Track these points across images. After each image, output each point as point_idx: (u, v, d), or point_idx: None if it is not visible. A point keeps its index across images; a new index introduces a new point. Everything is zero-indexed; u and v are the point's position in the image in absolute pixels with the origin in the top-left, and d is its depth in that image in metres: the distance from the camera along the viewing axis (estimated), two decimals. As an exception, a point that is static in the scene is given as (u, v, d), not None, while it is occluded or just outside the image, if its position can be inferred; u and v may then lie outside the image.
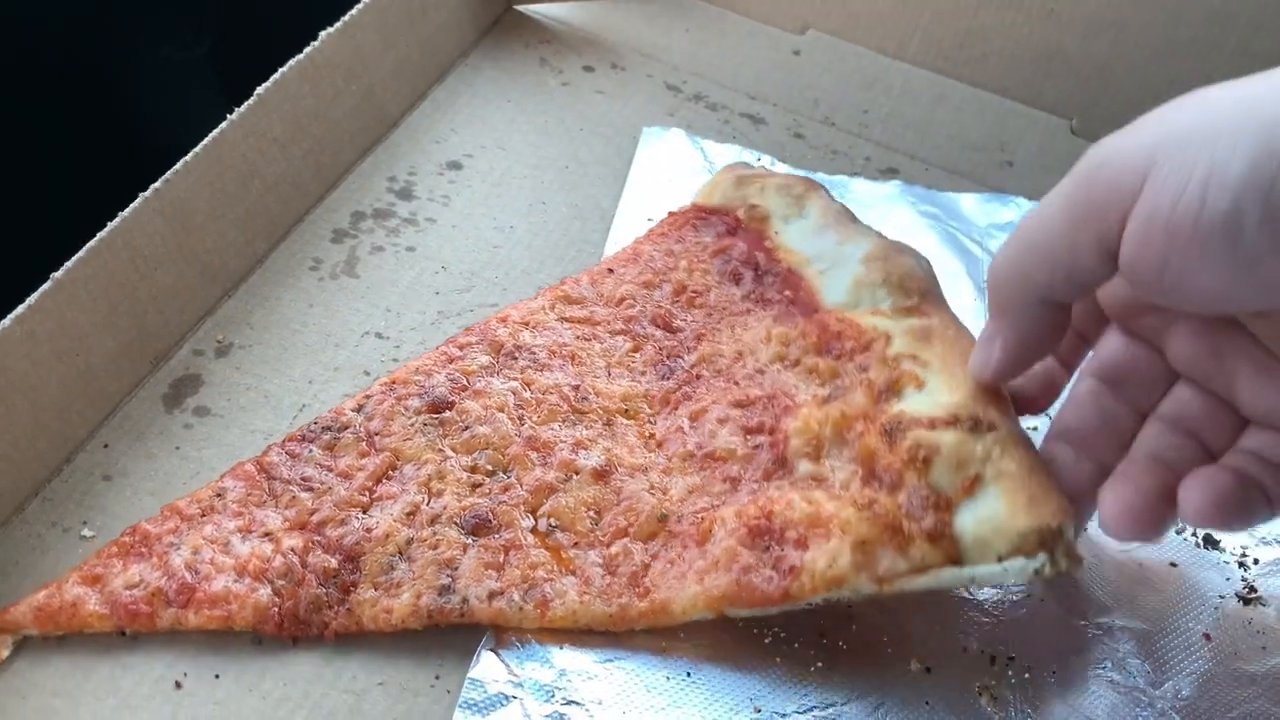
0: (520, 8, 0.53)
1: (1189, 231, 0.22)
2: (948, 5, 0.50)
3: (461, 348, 0.38)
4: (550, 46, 0.52)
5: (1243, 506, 0.25)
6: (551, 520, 0.33)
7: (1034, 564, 0.28)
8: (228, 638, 0.32)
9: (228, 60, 0.57)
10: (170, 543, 0.32)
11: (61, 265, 0.34)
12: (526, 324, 0.39)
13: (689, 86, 0.51)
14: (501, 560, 0.32)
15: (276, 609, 0.31)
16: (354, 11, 0.44)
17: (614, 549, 0.32)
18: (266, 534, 0.33)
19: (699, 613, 0.31)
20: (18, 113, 0.50)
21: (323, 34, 0.43)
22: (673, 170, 0.47)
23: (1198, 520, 0.26)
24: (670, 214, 0.43)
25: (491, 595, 0.31)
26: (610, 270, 0.41)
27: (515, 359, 0.37)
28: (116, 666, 0.31)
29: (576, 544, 0.33)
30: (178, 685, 0.31)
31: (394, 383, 0.37)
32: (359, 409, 0.36)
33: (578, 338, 0.38)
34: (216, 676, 0.31)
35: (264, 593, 0.31)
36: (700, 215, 0.42)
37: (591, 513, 0.33)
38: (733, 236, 0.40)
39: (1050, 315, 0.27)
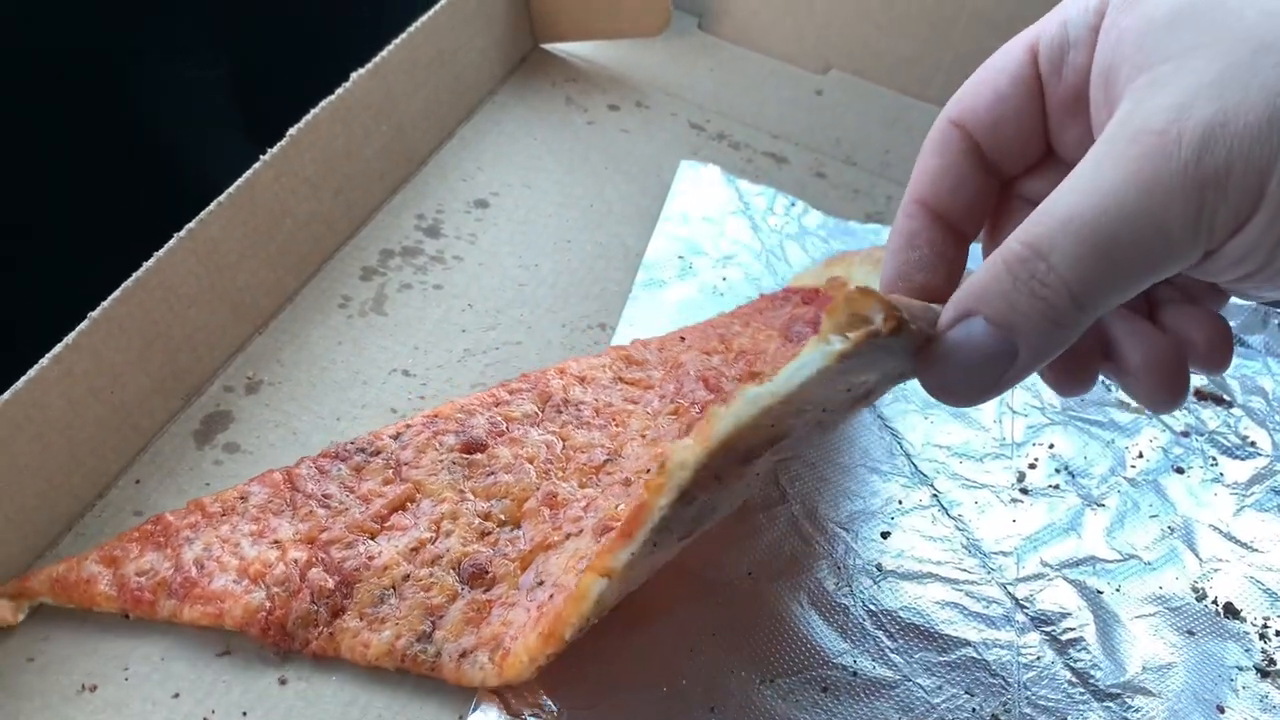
0: (547, 46, 0.54)
1: None
2: (969, 47, 0.50)
3: (511, 392, 0.39)
4: (576, 85, 0.53)
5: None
6: (540, 576, 0.33)
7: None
8: (256, 676, 0.33)
9: (245, 81, 0.58)
10: (186, 537, 0.34)
11: (85, 288, 0.36)
12: (582, 379, 0.39)
13: (712, 125, 0.52)
14: (485, 616, 0.33)
15: (265, 615, 0.32)
16: (385, 52, 0.45)
17: None
18: (275, 542, 0.34)
19: (592, 584, 0.28)
20: (34, 128, 0.51)
21: (354, 75, 0.44)
22: (706, 207, 0.48)
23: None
24: (761, 295, 0.43)
25: (463, 654, 0.32)
26: (681, 338, 0.41)
27: (560, 412, 0.38)
28: (148, 703, 0.32)
29: (552, 596, 0.32)
30: (202, 722, 0.32)
31: (436, 416, 0.38)
32: (396, 436, 0.37)
33: (625, 400, 0.39)
34: (244, 714, 0.32)
35: (258, 596, 0.33)
36: (788, 293, 0.42)
37: (578, 566, 0.33)
38: (807, 305, 0.40)
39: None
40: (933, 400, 0.41)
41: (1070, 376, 0.25)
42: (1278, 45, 0.20)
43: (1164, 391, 0.24)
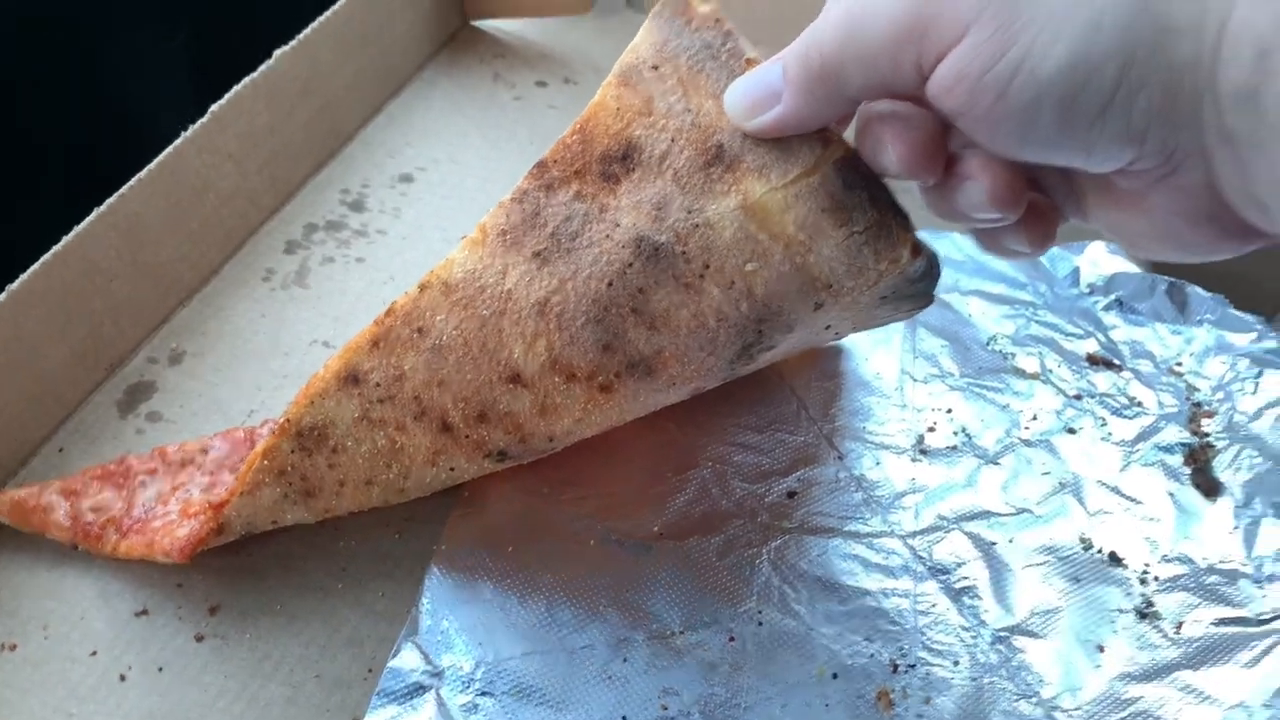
0: (477, 23, 0.56)
1: (989, 101, 0.24)
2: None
3: None
4: (504, 61, 0.55)
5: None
6: None
7: None
8: (173, 633, 0.35)
9: (203, 50, 0.60)
10: (142, 480, 0.37)
11: (21, 267, 0.38)
12: None
13: (641, 102, 0.54)
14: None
15: (186, 541, 0.35)
16: (310, 29, 0.47)
17: None
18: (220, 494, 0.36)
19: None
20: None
21: (277, 52, 0.46)
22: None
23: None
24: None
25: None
26: None
27: None
28: (66, 660, 0.34)
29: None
30: (122, 678, 0.34)
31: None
32: None
33: None
34: (159, 670, 0.34)
35: (186, 528, 0.35)
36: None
37: None
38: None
39: (848, 106, 0.28)
40: (839, 369, 0.44)
41: (924, 155, 0.28)
42: None
43: (1004, 190, 0.27)
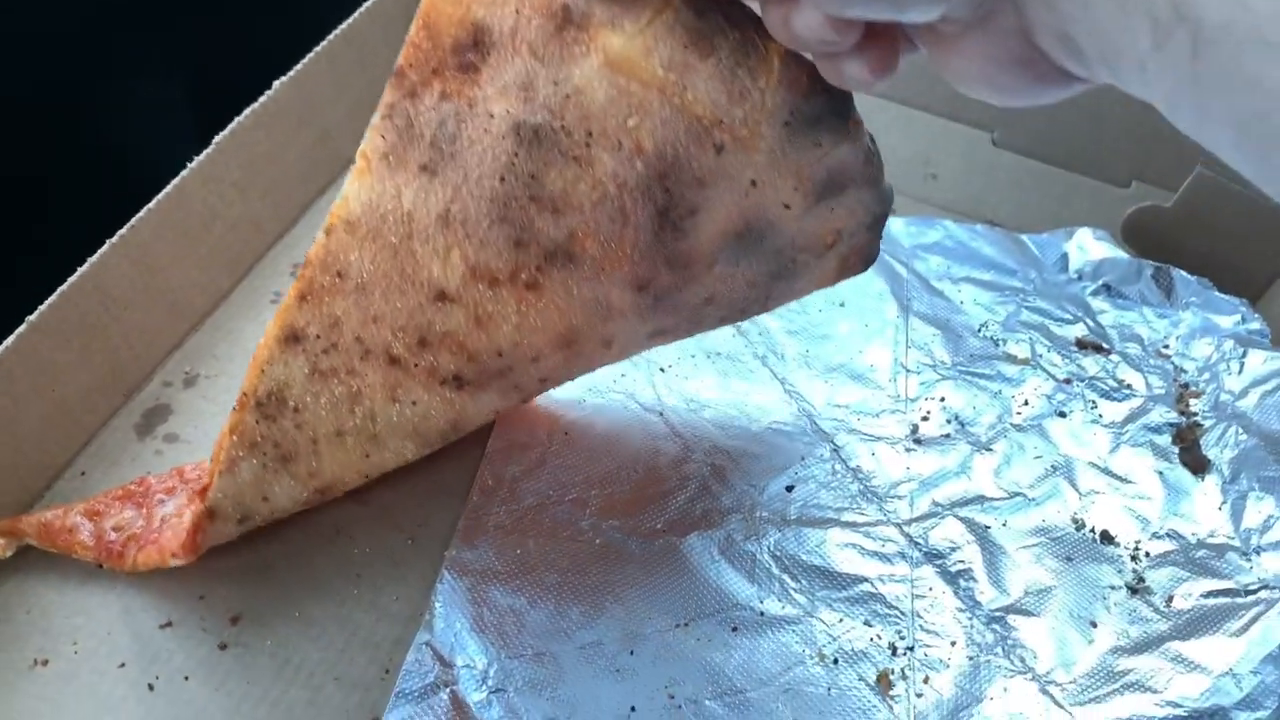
0: (468, 44, 0.58)
1: None
2: (875, 29, 0.55)
3: None
4: (497, 81, 0.57)
5: None
6: None
7: None
8: (197, 643, 0.37)
9: (204, 96, 0.62)
10: (161, 499, 0.38)
11: (37, 305, 0.40)
12: None
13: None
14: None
15: (186, 535, 0.36)
16: (306, 61, 0.49)
17: None
18: None
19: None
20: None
21: (276, 83, 0.48)
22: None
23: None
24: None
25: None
26: None
27: None
28: (95, 673, 0.36)
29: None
30: (150, 688, 0.36)
31: None
32: None
33: None
34: (185, 679, 0.36)
35: (185, 519, 0.36)
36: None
37: None
38: None
39: None
40: (834, 364, 0.46)
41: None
42: None
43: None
